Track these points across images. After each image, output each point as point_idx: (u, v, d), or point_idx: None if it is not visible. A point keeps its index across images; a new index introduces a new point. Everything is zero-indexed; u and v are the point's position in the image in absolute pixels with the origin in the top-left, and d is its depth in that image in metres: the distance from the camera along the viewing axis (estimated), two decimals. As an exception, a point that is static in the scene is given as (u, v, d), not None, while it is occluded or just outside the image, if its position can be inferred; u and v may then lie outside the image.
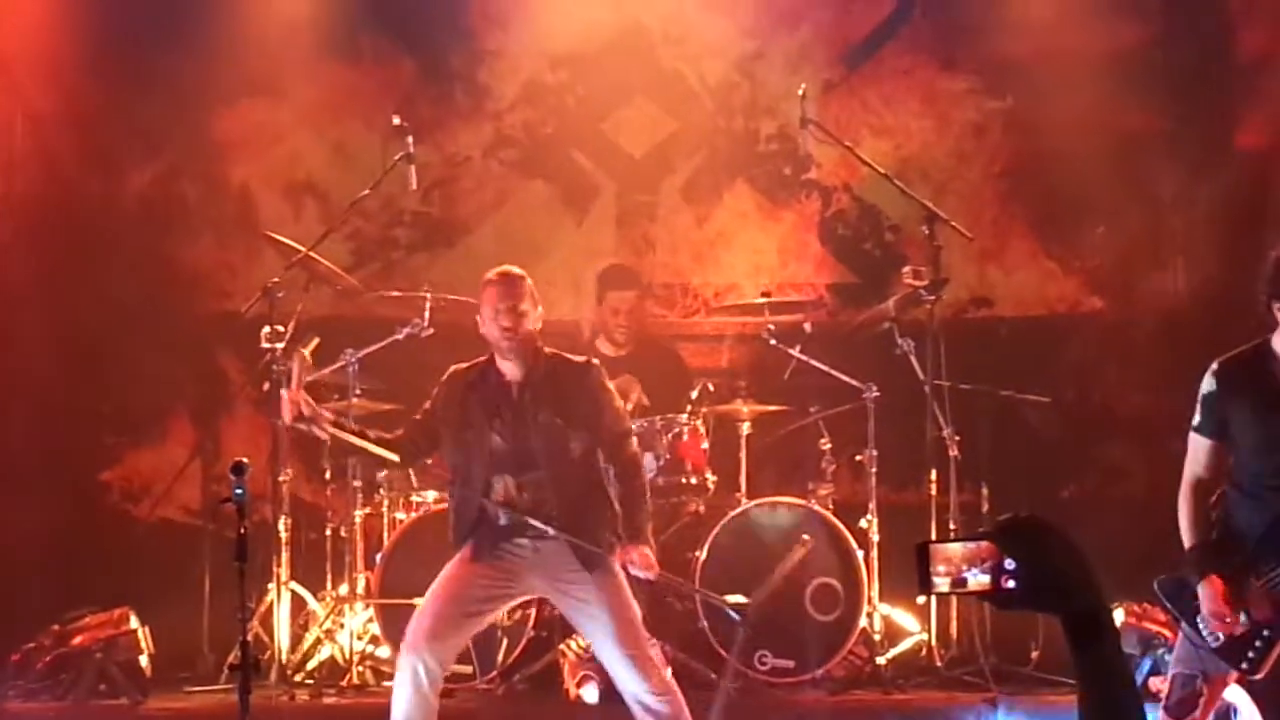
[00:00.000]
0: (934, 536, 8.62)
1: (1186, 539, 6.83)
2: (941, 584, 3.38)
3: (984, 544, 3.32)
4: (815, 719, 8.15)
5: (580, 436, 7.30)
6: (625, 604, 7.29)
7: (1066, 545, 3.36)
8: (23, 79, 9.64)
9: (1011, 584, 3.30)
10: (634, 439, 7.55)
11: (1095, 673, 3.29)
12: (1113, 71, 9.75)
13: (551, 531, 7.19)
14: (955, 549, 3.35)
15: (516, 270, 7.25)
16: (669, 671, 7.37)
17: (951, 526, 8.72)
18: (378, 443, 7.55)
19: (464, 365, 7.39)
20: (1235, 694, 7.33)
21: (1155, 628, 8.21)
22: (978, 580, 3.35)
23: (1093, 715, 3.27)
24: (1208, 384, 6.86)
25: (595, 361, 7.49)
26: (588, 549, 7.21)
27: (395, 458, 7.71)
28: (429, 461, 7.85)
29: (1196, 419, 6.88)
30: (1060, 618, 3.38)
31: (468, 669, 8.24)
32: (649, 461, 8.52)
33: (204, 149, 10.17)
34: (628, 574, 7.26)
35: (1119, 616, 8.41)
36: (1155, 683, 7.56)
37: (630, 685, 7.25)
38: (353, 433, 7.50)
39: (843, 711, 8.07)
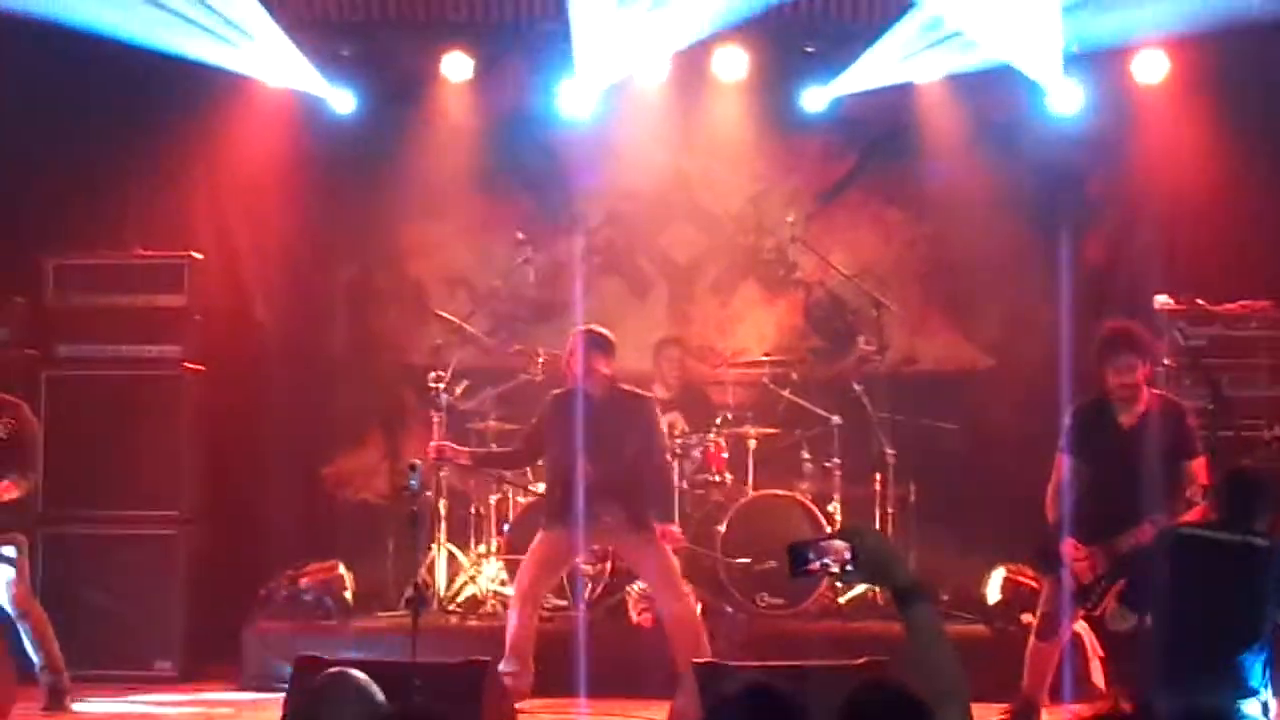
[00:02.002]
0: (876, 520, 8.62)
1: (1051, 520, 6.81)
2: (808, 567, 3.37)
3: (837, 541, 3.33)
4: (799, 639, 8.10)
5: (632, 442, 7.35)
6: (664, 556, 7.33)
7: (886, 543, 3.40)
8: (272, 204, 9.73)
9: (851, 568, 3.31)
10: (668, 453, 7.60)
11: (913, 624, 3.28)
12: (1000, 206, 9.71)
13: (610, 515, 7.26)
14: (820, 545, 3.35)
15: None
16: (699, 606, 7.38)
17: (889, 510, 8.70)
18: (497, 459, 8.14)
19: (560, 390, 7.53)
20: (1081, 626, 7.31)
21: (1026, 581, 8.13)
22: (833, 564, 3.35)
23: (913, 652, 3.27)
24: (1068, 419, 6.86)
25: (650, 396, 7.56)
26: (636, 519, 7.29)
27: (509, 473, 8.32)
28: (533, 465, 8.06)
29: (1062, 442, 6.88)
30: (888, 589, 3.40)
31: (564, 602, 8.23)
32: (687, 466, 8.57)
33: (391, 253, 10.18)
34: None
35: (1000, 574, 8.32)
36: (1026, 618, 7.49)
37: (667, 608, 7.31)
38: (480, 459, 8.08)
39: (816, 635, 8.01)
